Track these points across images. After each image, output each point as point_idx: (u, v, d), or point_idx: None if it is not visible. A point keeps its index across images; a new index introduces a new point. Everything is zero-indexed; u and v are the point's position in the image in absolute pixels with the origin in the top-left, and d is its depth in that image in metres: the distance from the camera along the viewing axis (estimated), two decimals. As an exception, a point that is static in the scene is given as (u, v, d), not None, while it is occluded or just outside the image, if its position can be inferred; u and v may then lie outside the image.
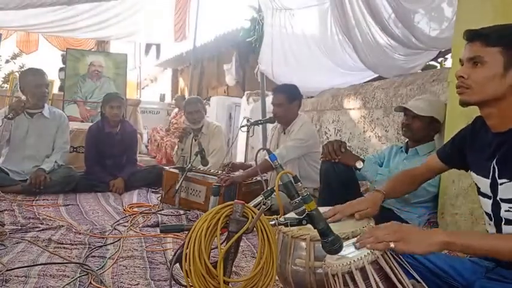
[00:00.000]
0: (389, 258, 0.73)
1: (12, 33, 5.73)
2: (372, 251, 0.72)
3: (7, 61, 7.78)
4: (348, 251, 0.78)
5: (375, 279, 0.70)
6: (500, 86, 0.81)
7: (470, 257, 1.03)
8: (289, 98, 2.15)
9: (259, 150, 1.07)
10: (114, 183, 2.58)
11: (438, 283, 0.86)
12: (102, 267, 1.28)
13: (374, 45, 2.23)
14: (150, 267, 1.31)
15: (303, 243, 0.92)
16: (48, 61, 5.96)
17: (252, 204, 0.86)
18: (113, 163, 2.71)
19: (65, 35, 4.94)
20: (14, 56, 7.70)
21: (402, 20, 2.02)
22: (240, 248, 0.91)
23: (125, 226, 1.78)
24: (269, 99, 3.19)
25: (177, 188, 2.09)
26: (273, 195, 0.86)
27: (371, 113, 2.28)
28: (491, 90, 0.82)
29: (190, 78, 4.77)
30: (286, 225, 0.84)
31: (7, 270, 1.18)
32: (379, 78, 2.48)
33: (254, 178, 2.09)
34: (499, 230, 0.85)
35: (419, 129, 1.53)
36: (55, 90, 4.62)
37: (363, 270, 0.71)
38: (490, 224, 0.88)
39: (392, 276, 0.71)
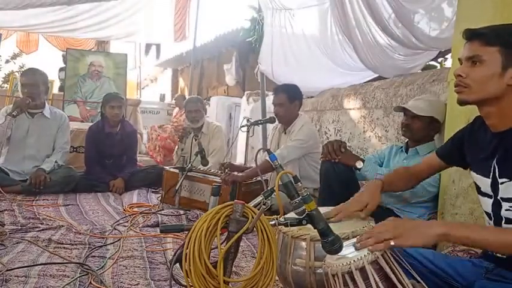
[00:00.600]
0: (389, 258, 0.73)
1: (12, 33, 5.73)
2: (372, 251, 0.72)
3: (7, 61, 7.78)
4: (348, 251, 0.78)
5: (374, 279, 0.70)
6: (498, 85, 0.81)
7: (470, 257, 1.03)
8: (290, 98, 2.15)
9: (259, 151, 1.07)
10: (114, 183, 2.58)
11: (438, 283, 0.86)
12: (102, 267, 1.28)
13: (374, 45, 2.23)
14: (150, 267, 1.31)
15: (303, 243, 0.92)
16: (48, 61, 5.96)
17: (252, 204, 0.86)
18: (113, 163, 2.71)
19: (65, 35, 4.95)
20: (14, 56, 7.70)
21: (402, 20, 2.02)
22: (240, 248, 0.91)
23: (125, 226, 1.78)
24: (269, 99, 3.19)
25: (177, 188, 2.09)
26: (273, 195, 0.86)
27: (371, 113, 2.28)
28: (489, 89, 0.82)
29: (190, 78, 4.77)
30: (286, 225, 0.84)
31: (7, 270, 1.18)
32: (379, 78, 2.48)
33: (254, 178, 2.09)
34: None
35: (419, 129, 1.53)
36: (55, 90, 4.61)
37: (362, 270, 0.71)
38: (489, 224, 0.88)
39: (392, 276, 0.71)
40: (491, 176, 0.85)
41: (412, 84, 2.00)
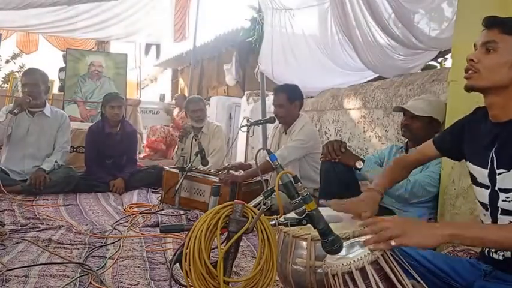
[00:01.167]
0: (389, 259, 0.73)
1: (12, 33, 5.73)
2: (373, 251, 0.72)
3: (7, 61, 7.77)
4: (348, 251, 0.78)
5: (374, 279, 0.70)
6: (508, 75, 0.82)
7: (470, 257, 1.03)
8: (289, 98, 2.15)
9: (259, 151, 1.07)
10: (114, 183, 2.58)
11: (438, 283, 0.86)
12: (102, 267, 1.28)
13: (374, 45, 2.23)
14: (150, 267, 1.31)
15: (304, 243, 0.92)
16: (48, 61, 5.96)
17: (252, 204, 0.86)
18: (113, 163, 2.71)
19: (65, 35, 4.95)
20: (14, 56, 7.70)
21: (402, 20, 2.02)
22: (240, 248, 0.91)
23: (125, 226, 1.78)
24: (269, 99, 3.19)
25: (177, 188, 2.09)
26: (273, 195, 0.86)
27: (371, 113, 2.28)
28: (498, 77, 0.82)
29: (190, 78, 4.77)
30: (286, 225, 0.84)
31: (7, 270, 1.18)
32: (379, 78, 2.48)
33: (254, 178, 2.09)
34: (494, 220, 0.85)
35: (419, 129, 1.53)
36: (55, 90, 4.61)
37: (362, 270, 0.71)
38: (485, 215, 0.88)
39: (392, 276, 0.71)
40: (489, 167, 0.84)
41: (412, 84, 1.99)
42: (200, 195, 2.12)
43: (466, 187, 1.38)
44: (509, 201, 0.81)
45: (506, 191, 0.82)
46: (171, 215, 1.96)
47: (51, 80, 4.01)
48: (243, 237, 0.96)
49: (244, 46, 4.27)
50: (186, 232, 0.82)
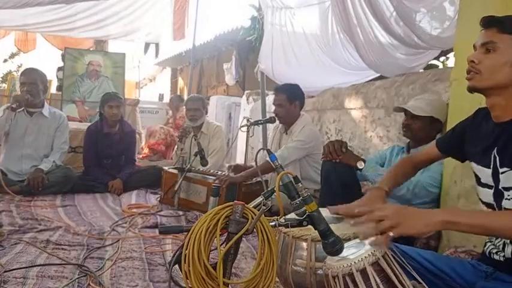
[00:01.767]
0: (391, 260, 0.72)
1: (10, 32, 5.71)
2: (373, 252, 0.71)
3: (5, 60, 7.75)
4: (349, 252, 0.77)
5: (375, 280, 0.69)
6: (509, 75, 0.81)
7: (472, 258, 1.02)
8: (289, 99, 2.14)
9: (259, 151, 1.06)
10: (112, 183, 2.57)
11: (439, 285, 0.86)
12: (101, 268, 1.27)
13: (375, 44, 2.22)
14: (149, 269, 1.30)
15: (304, 244, 0.92)
16: (46, 60, 5.94)
17: (252, 205, 0.85)
18: (112, 163, 2.70)
19: (63, 34, 4.93)
20: (12, 55, 7.68)
21: (404, 19, 2.00)
22: (240, 249, 0.91)
23: (123, 227, 1.77)
24: (269, 98, 3.18)
25: (176, 188, 2.08)
26: (273, 196, 0.85)
27: (372, 112, 2.27)
28: (500, 77, 0.82)
29: (189, 78, 4.76)
30: (286, 226, 0.83)
31: (5, 272, 1.17)
32: (381, 77, 2.46)
33: (254, 179, 2.08)
34: None
35: (420, 129, 1.52)
36: (53, 90, 4.60)
37: (363, 271, 0.70)
38: None
39: (393, 277, 0.70)
40: (492, 166, 0.84)
41: (414, 84, 1.98)
42: (197, 196, 2.11)
43: (468, 188, 1.37)
44: (510, 199, 0.81)
45: (509, 189, 0.82)
46: (170, 216, 1.95)
47: (49, 79, 4.00)
48: (243, 238, 0.95)
49: (244, 45, 4.26)
50: (185, 233, 0.81)
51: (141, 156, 3.75)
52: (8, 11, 3.71)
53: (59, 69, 4.56)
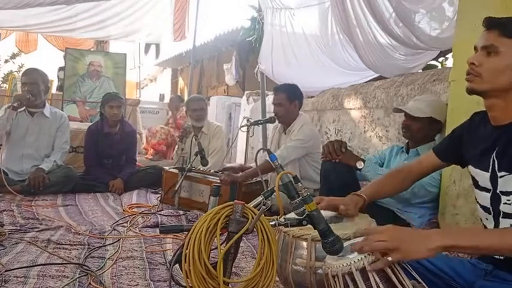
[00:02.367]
0: (390, 259, 0.72)
1: (11, 32, 5.72)
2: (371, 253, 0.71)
3: (6, 61, 7.76)
4: (349, 251, 0.77)
5: (375, 280, 0.70)
6: (509, 78, 0.81)
7: (471, 258, 1.02)
8: (289, 98, 2.15)
9: (259, 151, 1.06)
10: (113, 183, 2.57)
11: (438, 284, 0.86)
12: (102, 267, 1.28)
13: (375, 44, 2.22)
14: (149, 268, 1.30)
15: (304, 243, 0.92)
16: (47, 61, 5.95)
17: (252, 204, 0.86)
18: (112, 163, 2.70)
19: (64, 34, 4.94)
20: (13, 56, 7.69)
21: (403, 20, 2.01)
22: (240, 249, 0.91)
23: (124, 227, 1.77)
24: (269, 99, 3.18)
25: (176, 188, 2.09)
26: (273, 196, 0.86)
27: (372, 112, 2.27)
28: (500, 80, 0.81)
29: (190, 78, 4.76)
30: (286, 225, 0.84)
31: (6, 271, 1.18)
32: (380, 77, 2.47)
33: (254, 178, 2.09)
34: (496, 223, 0.85)
35: (419, 130, 1.53)
36: (54, 90, 4.61)
37: (363, 271, 0.70)
38: (487, 219, 0.88)
39: (392, 277, 0.70)
40: (490, 170, 0.84)
41: (413, 84, 1.99)
42: (199, 195, 2.11)
43: (467, 187, 1.38)
44: (510, 204, 0.81)
45: (507, 193, 0.81)
46: (171, 216, 1.96)
47: (50, 80, 4.01)
48: (243, 237, 0.96)
49: (244, 46, 4.26)
50: (186, 232, 0.82)
51: (145, 157, 3.75)
52: (9, 11, 3.73)
53: (60, 69, 4.57)
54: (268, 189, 0.87)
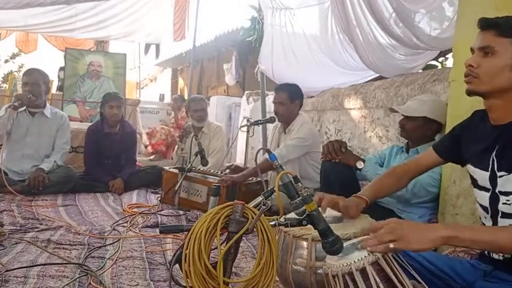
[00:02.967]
0: (390, 259, 0.73)
1: (11, 33, 5.72)
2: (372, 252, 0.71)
3: (6, 61, 7.77)
4: (349, 251, 0.77)
5: (375, 280, 0.70)
6: (508, 78, 0.81)
7: (471, 257, 1.02)
8: (290, 97, 2.15)
9: (259, 150, 1.06)
10: (113, 183, 2.57)
11: (438, 284, 0.86)
12: (102, 267, 1.28)
13: (375, 44, 2.22)
14: (149, 268, 1.31)
15: (305, 243, 0.92)
16: (47, 61, 5.95)
17: (252, 204, 0.85)
18: (112, 163, 2.70)
19: (64, 35, 4.94)
20: (13, 56, 7.70)
21: (403, 20, 2.01)
22: (240, 249, 0.91)
23: (124, 226, 1.78)
24: (269, 99, 3.18)
25: (176, 188, 2.09)
26: (273, 196, 0.86)
27: (372, 112, 2.27)
28: (499, 81, 0.81)
29: (190, 78, 4.76)
30: (286, 225, 0.84)
31: (6, 271, 1.18)
32: (380, 77, 2.47)
33: (254, 178, 2.09)
34: (495, 223, 0.85)
35: (413, 129, 1.52)
36: (54, 90, 4.61)
37: (363, 271, 0.70)
38: (486, 218, 0.88)
39: (393, 277, 0.70)
40: (490, 169, 0.84)
41: (413, 84, 1.99)
42: (197, 195, 2.11)
43: (467, 187, 1.37)
44: (509, 204, 0.81)
45: (506, 193, 0.81)
46: (171, 216, 1.96)
47: (50, 80, 4.01)
48: (243, 237, 0.96)
49: (244, 46, 4.26)
50: (186, 233, 0.82)
51: (148, 158, 3.75)
52: (9, 11, 3.72)
53: (61, 69, 4.57)
54: (268, 189, 0.87)
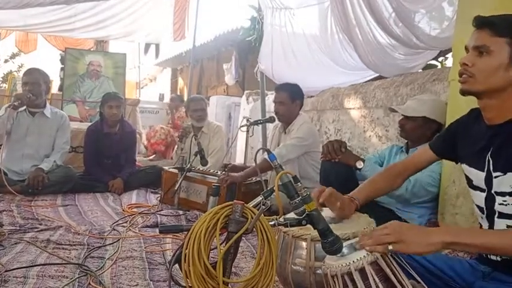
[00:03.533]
0: (389, 259, 0.72)
1: (11, 32, 5.72)
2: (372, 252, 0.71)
3: (6, 61, 7.76)
4: (348, 251, 0.77)
5: (374, 280, 0.70)
6: (503, 78, 0.80)
7: (471, 257, 1.02)
8: (291, 97, 2.15)
9: (258, 150, 1.06)
10: (113, 183, 2.57)
11: (437, 284, 0.86)
12: (101, 267, 1.28)
13: (374, 44, 2.22)
14: (149, 268, 1.31)
15: (304, 243, 0.92)
16: (47, 61, 5.95)
17: (251, 204, 0.85)
18: (112, 163, 2.70)
19: (64, 34, 4.94)
20: (13, 56, 7.69)
21: (403, 20, 2.01)
22: (239, 249, 0.91)
23: (124, 226, 1.77)
24: (269, 98, 3.18)
25: (176, 188, 2.09)
26: (272, 196, 0.86)
27: (371, 112, 2.27)
28: (494, 80, 0.80)
29: (189, 78, 4.76)
30: (285, 225, 0.84)
31: (6, 271, 1.18)
32: (380, 77, 2.47)
33: (254, 178, 2.09)
34: (491, 223, 0.84)
35: (413, 129, 1.52)
36: (54, 90, 4.61)
37: (362, 271, 0.70)
38: (482, 218, 0.87)
39: (391, 276, 0.70)
40: (485, 170, 0.83)
41: (413, 84, 1.99)
42: (197, 195, 2.11)
43: (467, 187, 1.37)
44: (505, 205, 0.81)
45: (502, 194, 0.81)
46: (170, 216, 1.96)
47: (51, 79, 4.00)
48: (243, 237, 0.96)
49: (244, 45, 4.26)
50: (185, 232, 0.82)
51: (148, 158, 3.75)
52: (9, 11, 3.72)
53: (63, 69, 4.57)
54: (268, 189, 0.87)
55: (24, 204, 2.10)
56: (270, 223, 0.84)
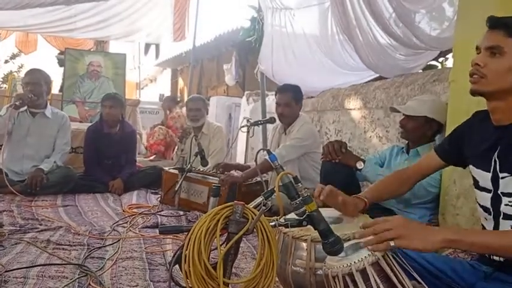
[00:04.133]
0: (391, 260, 0.72)
1: (11, 33, 5.72)
2: (373, 252, 0.71)
3: (6, 61, 7.77)
4: (349, 252, 0.77)
5: (375, 280, 0.69)
6: None
7: (472, 258, 1.02)
8: (295, 98, 2.15)
9: (259, 151, 1.06)
10: (113, 183, 2.57)
11: (438, 285, 0.86)
12: (101, 268, 1.28)
13: (375, 45, 2.22)
14: (149, 269, 1.30)
15: (304, 244, 0.92)
16: (47, 61, 5.95)
17: (252, 205, 0.85)
18: (112, 164, 2.70)
19: (63, 35, 4.94)
20: (13, 56, 7.70)
21: (403, 20, 2.01)
22: (240, 249, 0.91)
23: (124, 227, 1.77)
24: (269, 99, 3.18)
25: (176, 188, 2.09)
26: (273, 196, 0.86)
27: (372, 113, 2.27)
28: (505, 81, 0.80)
29: (189, 78, 4.77)
30: (286, 226, 0.84)
31: (6, 272, 1.18)
32: (380, 78, 2.47)
33: (254, 179, 2.09)
34: (496, 224, 0.84)
35: (413, 129, 1.52)
36: (55, 90, 4.61)
37: (363, 271, 0.70)
38: (486, 219, 0.87)
39: (393, 277, 0.70)
40: (492, 170, 0.83)
41: (413, 84, 1.99)
42: (198, 196, 2.11)
43: (468, 187, 1.37)
44: (511, 206, 0.81)
45: (509, 195, 0.81)
46: (171, 216, 1.96)
47: (51, 80, 4.00)
48: (243, 238, 0.95)
49: (244, 46, 4.26)
50: (186, 233, 0.82)
51: (148, 159, 3.74)
52: (9, 12, 3.72)
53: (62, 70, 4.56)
54: (268, 189, 0.86)
55: (24, 205, 2.10)
56: (271, 224, 0.84)
